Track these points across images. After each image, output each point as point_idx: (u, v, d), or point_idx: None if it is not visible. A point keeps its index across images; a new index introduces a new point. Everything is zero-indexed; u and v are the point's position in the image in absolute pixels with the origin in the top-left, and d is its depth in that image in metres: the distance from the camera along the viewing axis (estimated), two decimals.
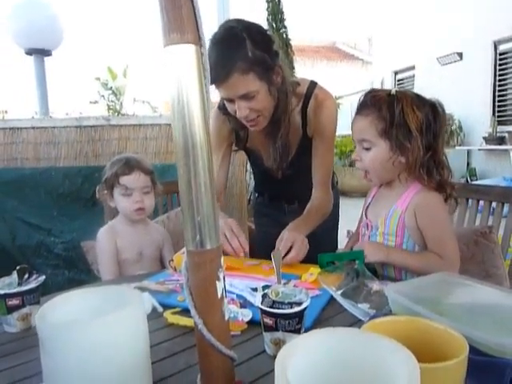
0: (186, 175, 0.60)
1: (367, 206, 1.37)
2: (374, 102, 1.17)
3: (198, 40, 0.59)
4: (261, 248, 1.63)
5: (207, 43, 1.27)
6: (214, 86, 1.29)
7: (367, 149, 1.20)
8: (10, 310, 0.94)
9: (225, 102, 1.37)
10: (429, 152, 1.17)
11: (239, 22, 1.28)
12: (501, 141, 6.90)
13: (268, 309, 0.79)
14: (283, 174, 1.54)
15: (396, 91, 1.18)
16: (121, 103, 6.10)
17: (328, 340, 0.47)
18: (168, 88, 0.59)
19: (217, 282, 0.62)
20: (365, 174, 1.26)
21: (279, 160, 1.49)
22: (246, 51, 1.22)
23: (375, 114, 1.16)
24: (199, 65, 0.60)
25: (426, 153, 1.17)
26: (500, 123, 7.03)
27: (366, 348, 0.46)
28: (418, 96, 1.19)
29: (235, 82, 1.24)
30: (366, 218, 1.35)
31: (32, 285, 0.96)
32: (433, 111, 1.18)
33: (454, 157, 7.45)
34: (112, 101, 6.09)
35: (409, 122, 1.13)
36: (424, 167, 1.18)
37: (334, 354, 0.46)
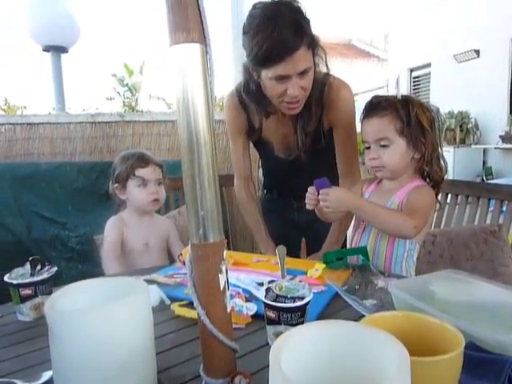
0: (190, 171, 0.62)
1: None
2: (389, 104, 1.25)
3: (203, 39, 0.61)
4: None
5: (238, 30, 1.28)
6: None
7: (385, 146, 1.25)
8: (23, 299, 0.97)
9: (270, 82, 1.30)
10: (437, 149, 1.27)
11: (279, 2, 1.27)
12: None
13: (271, 302, 0.80)
14: (297, 163, 1.53)
15: (402, 96, 1.28)
16: (136, 100, 6.15)
17: (322, 332, 0.48)
18: (173, 86, 0.61)
19: (219, 275, 0.64)
20: (378, 169, 1.30)
21: (306, 141, 1.48)
22: (305, 27, 1.24)
23: (393, 114, 1.24)
24: (204, 64, 0.61)
25: (436, 149, 1.27)
26: None
27: (359, 340, 0.47)
28: (421, 101, 1.30)
29: (300, 56, 1.23)
30: None
31: (44, 275, 1.00)
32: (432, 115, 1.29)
33: (469, 155, 7.39)
34: (128, 97, 6.13)
35: (422, 121, 1.23)
36: (435, 161, 1.28)
37: (328, 345, 0.47)
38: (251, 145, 1.67)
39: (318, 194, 1.23)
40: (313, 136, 1.48)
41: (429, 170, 1.29)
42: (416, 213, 1.21)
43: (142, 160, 1.62)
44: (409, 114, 1.23)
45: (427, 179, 1.31)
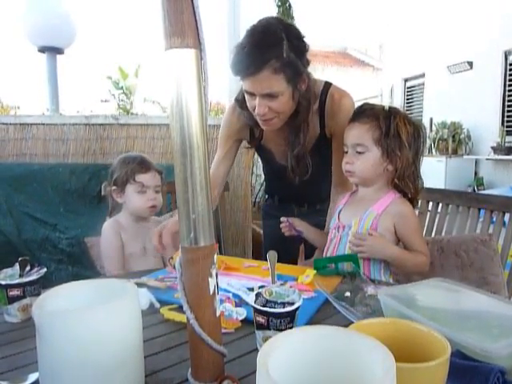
0: (182, 174, 0.63)
1: (339, 211, 1.42)
2: (373, 113, 1.29)
3: (198, 44, 0.62)
4: (268, 249, 1.64)
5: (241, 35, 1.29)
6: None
7: (360, 153, 1.29)
8: (11, 300, 0.96)
9: (245, 95, 1.36)
10: (413, 164, 1.30)
11: (280, 21, 1.30)
12: (509, 151, 6.85)
13: (260, 307, 0.80)
14: (300, 179, 1.53)
15: (389, 107, 1.32)
16: (131, 102, 6.14)
17: (309, 336, 0.48)
18: (168, 90, 0.62)
19: (209, 279, 0.64)
20: (350, 174, 1.34)
21: (296, 166, 1.49)
22: (282, 51, 1.23)
23: (373, 123, 1.27)
24: (198, 69, 0.62)
25: (411, 165, 1.30)
26: (509, 133, 6.99)
27: (345, 345, 0.47)
28: (406, 115, 1.34)
29: (264, 78, 1.24)
30: (339, 221, 1.40)
31: (33, 276, 0.99)
32: (417, 131, 1.31)
33: (461, 165, 7.45)
34: (122, 100, 6.13)
35: (401, 134, 1.26)
36: (410, 177, 1.31)
37: (315, 350, 0.47)
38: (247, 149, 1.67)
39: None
40: (314, 145, 1.50)
41: (401, 185, 1.31)
42: (424, 246, 1.31)
43: (143, 165, 1.60)
44: (389, 125, 1.25)
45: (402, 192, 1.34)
